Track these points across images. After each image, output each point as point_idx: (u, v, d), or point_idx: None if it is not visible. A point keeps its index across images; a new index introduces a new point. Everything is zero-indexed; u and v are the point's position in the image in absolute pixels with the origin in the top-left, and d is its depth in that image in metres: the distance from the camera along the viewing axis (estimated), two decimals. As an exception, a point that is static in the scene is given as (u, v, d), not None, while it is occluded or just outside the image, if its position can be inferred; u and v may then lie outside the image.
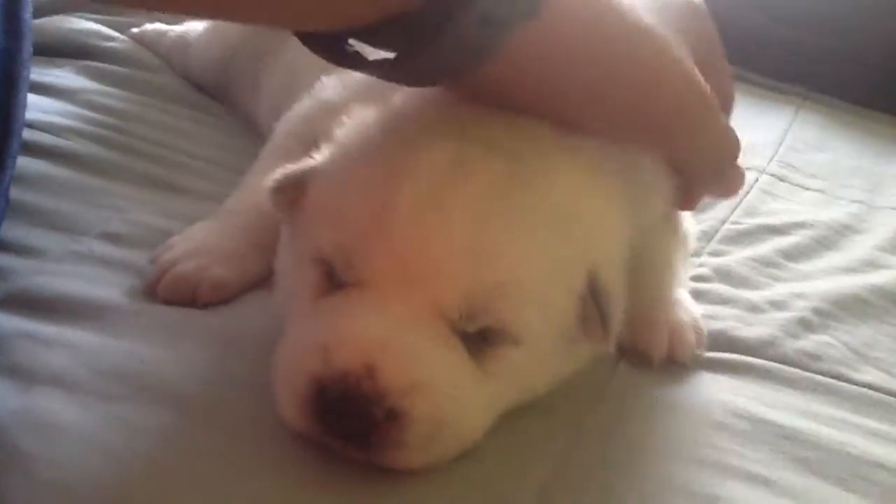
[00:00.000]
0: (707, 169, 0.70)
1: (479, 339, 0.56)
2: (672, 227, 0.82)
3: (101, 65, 1.07)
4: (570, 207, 0.58)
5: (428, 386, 0.53)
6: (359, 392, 0.51)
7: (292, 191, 0.61)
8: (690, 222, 0.88)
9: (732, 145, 0.70)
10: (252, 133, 1.02)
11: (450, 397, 0.54)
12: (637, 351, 0.71)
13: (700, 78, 0.63)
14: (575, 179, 0.59)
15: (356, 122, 0.62)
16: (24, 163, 0.81)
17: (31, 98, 0.87)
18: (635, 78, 0.59)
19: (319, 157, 0.62)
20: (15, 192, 0.76)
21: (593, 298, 0.59)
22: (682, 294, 0.77)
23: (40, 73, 1.00)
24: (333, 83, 0.79)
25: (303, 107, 0.82)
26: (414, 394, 0.52)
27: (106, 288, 0.69)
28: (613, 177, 0.63)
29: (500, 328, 0.56)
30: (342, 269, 0.55)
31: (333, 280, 0.56)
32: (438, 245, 0.53)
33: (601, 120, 0.60)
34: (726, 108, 0.71)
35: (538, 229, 0.56)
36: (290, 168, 0.62)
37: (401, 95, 0.62)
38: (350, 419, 0.52)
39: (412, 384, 0.52)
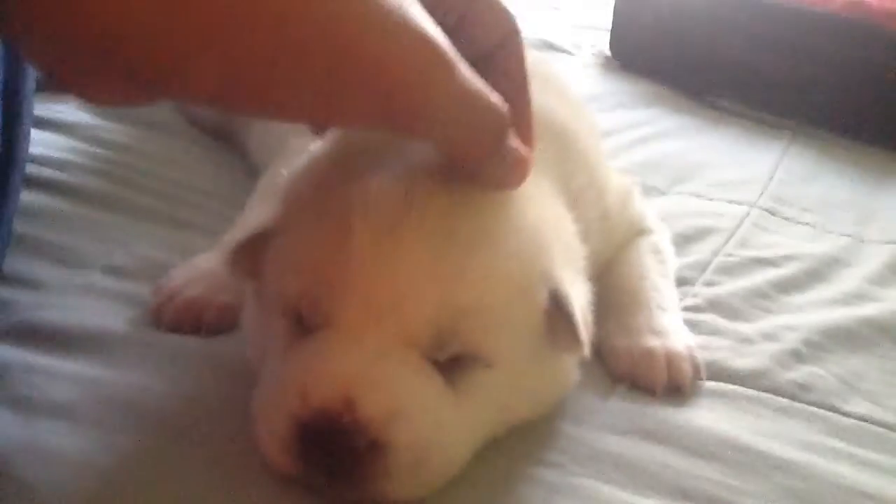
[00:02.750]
0: (459, 141, 0.53)
1: (453, 366, 0.57)
2: (649, 245, 0.87)
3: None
4: (521, 224, 0.59)
5: (407, 414, 0.53)
6: (339, 426, 0.52)
7: (251, 255, 0.61)
8: (668, 243, 0.91)
9: (486, 110, 0.53)
10: (250, 167, 1.03)
11: (430, 424, 0.55)
12: (637, 383, 0.73)
13: (415, 21, 0.47)
14: (521, 194, 0.60)
15: (299, 172, 0.62)
16: (26, 196, 0.82)
17: (35, 133, 0.88)
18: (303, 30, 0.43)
19: (273, 213, 0.61)
20: (18, 226, 0.77)
21: (557, 307, 0.60)
22: (677, 323, 0.79)
23: (42, 107, 1.01)
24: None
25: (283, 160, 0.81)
26: (394, 423, 0.53)
27: (108, 320, 0.70)
28: (552, 181, 0.67)
29: (471, 353, 0.57)
30: (308, 315, 0.56)
31: (302, 327, 0.57)
32: (399, 277, 0.54)
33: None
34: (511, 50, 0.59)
35: (495, 251, 0.57)
36: (243, 235, 0.62)
37: (333, 136, 0.62)
38: (333, 454, 0.52)
39: (392, 413, 0.53)
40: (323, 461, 0.53)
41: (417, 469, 0.54)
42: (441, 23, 0.54)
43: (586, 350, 0.61)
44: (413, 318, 0.54)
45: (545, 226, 0.62)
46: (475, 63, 0.55)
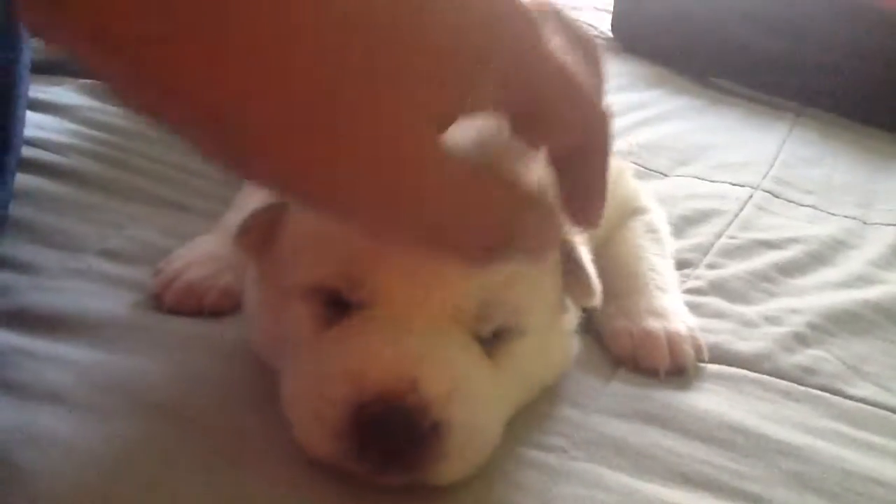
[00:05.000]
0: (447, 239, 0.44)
1: (492, 339, 0.57)
2: (644, 224, 0.87)
3: (100, 82, 1.07)
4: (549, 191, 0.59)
5: (464, 392, 0.53)
6: (403, 407, 0.51)
7: (263, 229, 0.60)
8: (664, 222, 0.91)
9: (488, 208, 0.44)
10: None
11: (481, 402, 0.55)
12: (639, 365, 0.72)
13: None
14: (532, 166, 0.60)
15: None
16: (22, 179, 0.81)
17: (31, 115, 0.88)
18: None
19: None
20: (13, 209, 0.76)
21: (571, 261, 0.62)
22: (678, 304, 0.79)
23: (39, 90, 1.00)
24: None
25: None
26: (453, 402, 0.52)
27: (105, 303, 0.69)
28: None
29: (511, 325, 0.57)
30: (349, 292, 0.55)
31: (337, 307, 0.56)
32: None
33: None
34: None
35: None
36: (258, 208, 0.60)
37: None
38: (395, 437, 0.51)
39: (451, 392, 0.52)
40: (379, 445, 0.51)
41: (467, 448, 0.54)
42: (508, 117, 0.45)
43: (598, 298, 0.63)
44: (460, 292, 0.54)
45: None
46: (552, 166, 0.49)
